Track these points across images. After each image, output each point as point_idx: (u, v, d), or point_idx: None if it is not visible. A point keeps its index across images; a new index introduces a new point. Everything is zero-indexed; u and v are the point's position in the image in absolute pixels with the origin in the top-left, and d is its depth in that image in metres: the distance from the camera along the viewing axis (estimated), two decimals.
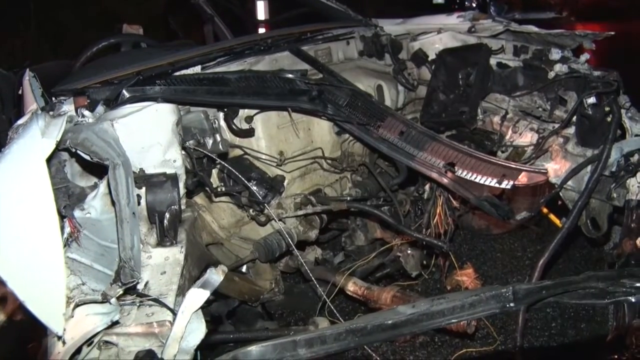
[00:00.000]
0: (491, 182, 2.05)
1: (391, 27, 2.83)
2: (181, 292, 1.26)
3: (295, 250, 2.03)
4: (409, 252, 2.36)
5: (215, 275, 1.03)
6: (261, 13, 4.79)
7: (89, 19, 7.28)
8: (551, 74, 2.19)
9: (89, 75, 2.10)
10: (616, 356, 1.89)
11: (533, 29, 2.28)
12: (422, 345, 2.28)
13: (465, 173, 2.08)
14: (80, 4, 7.37)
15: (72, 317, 1.06)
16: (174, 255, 1.37)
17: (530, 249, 2.90)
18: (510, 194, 2.57)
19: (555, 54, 2.19)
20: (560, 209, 2.24)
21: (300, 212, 2.11)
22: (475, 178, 2.07)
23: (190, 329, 0.99)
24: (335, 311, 1.94)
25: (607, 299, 0.93)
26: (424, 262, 2.41)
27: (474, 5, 13.49)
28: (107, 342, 1.07)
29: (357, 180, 2.51)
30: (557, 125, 2.19)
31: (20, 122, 1.83)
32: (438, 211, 2.49)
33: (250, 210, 2.12)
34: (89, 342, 1.05)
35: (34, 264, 0.76)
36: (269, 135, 2.18)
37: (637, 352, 1.93)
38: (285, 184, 2.21)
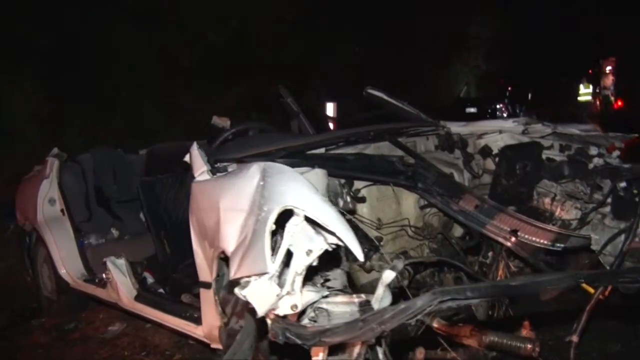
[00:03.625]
0: (546, 244, 2.67)
1: (457, 128, 3.56)
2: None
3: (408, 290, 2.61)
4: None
5: (400, 263, 1.66)
6: (330, 111, 5.71)
7: (165, 111, 8.33)
8: (590, 166, 2.86)
9: (235, 150, 2.86)
10: None
11: (575, 131, 2.99)
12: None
13: (526, 238, 2.71)
14: (158, 98, 8.44)
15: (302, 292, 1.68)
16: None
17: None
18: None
19: (593, 150, 2.87)
20: None
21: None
22: (534, 242, 2.70)
23: (384, 295, 1.60)
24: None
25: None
26: (490, 312, 2.96)
27: (504, 115, 14.68)
28: (319, 307, 1.68)
29: (433, 247, 3.14)
30: (595, 205, 2.84)
31: (198, 178, 2.56)
32: (499, 273, 3.09)
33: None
34: (310, 306, 1.66)
35: None
36: (371, 205, 2.85)
37: None
38: (381, 243, 2.85)
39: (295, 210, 1.49)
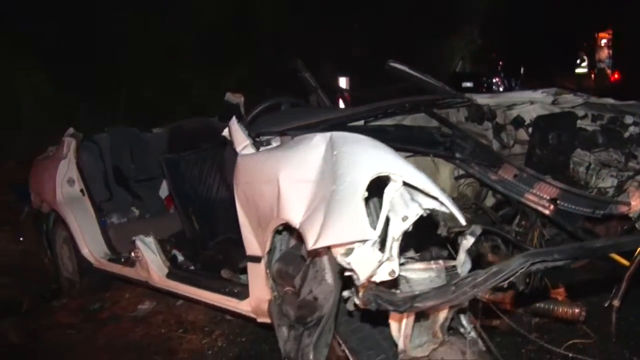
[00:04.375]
0: (587, 212, 2.71)
1: (483, 100, 3.56)
2: None
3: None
4: None
5: (478, 229, 1.68)
6: (343, 84, 5.76)
7: (166, 91, 8.26)
8: (626, 134, 2.89)
9: (270, 123, 2.85)
10: None
11: (610, 101, 3.01)
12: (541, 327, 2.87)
13: (565, 206, 2.74)
14: (159, 78, 8.35)
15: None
16: None
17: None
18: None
19: (629, 119, 2.90)
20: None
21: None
22: (574, 210, 2.73)
23: (465, 260, 1.63)
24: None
25: None
26: (527, 280, 3.01)
27: (500, 90, 14.74)
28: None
29: (467, 217, 3.16)
30: (630, 174, 2.87)
31: (243, 152, 2.55)
32: (534, 243, 3.13)
33: None
34: None
35: None
36: None
37: None
38: None
39: (392, 176, 1.49)
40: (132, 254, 3.62)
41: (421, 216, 1.48)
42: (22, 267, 4.88)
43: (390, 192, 1.47)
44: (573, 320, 2.51)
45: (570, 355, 2.63)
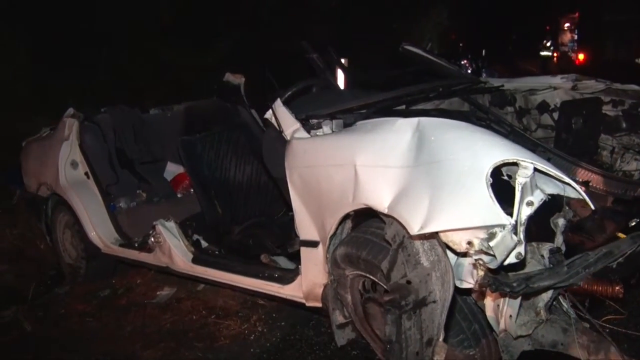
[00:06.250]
0: (617, 194, 2.84)
1: (499, 84, 3.65)
2: None
3: None
4: None
5: (570, 212, 1.76)
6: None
7: (147, 68, 8.01)
8: None
9: (308, 106, 2.84)
10: None
11: (633, 87, 3.15)
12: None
13: (597, 188, 2.87)
14: (141, 56, 8.09)
15: None
16: None
17: None
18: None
19: None
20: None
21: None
22: (605, 192, 2.86)
23: (562, 242, 1.72)
24: None
25: None
26: None
27: (469, 71, 15.01)
28: None
29: None
30: None
31: (297, 135, 2.54)
32: None
33: None
34: None
35: None
36: None
37: None
38: None
39: (522, 163, 1.54)
40: (152, 239, 3.55)
41: (544, 202, 1.54)
42: (17, 252, 4.71)
43: (522, 179, 1.52)
44: (612, 297, 2.64)
45: (607, 329, 2.77)
